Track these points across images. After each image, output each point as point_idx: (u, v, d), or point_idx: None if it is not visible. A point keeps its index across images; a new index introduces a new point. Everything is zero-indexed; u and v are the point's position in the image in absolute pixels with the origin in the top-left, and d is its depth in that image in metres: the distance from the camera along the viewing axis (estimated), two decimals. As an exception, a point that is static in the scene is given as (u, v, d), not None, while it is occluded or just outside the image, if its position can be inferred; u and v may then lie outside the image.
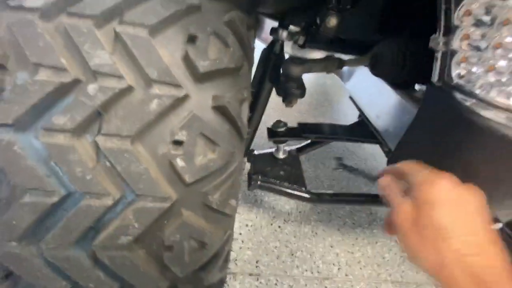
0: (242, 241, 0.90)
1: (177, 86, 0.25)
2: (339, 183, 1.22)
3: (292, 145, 0.94)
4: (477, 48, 0.34)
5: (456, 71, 0.36)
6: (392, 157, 0.48)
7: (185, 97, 0.25)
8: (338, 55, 0.50)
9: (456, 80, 0.36)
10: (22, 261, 0.25)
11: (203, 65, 0.25)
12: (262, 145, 1.40)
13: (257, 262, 0.85)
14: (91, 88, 0.23)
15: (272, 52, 0.52)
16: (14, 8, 0.24)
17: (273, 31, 0.51)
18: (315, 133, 0.75)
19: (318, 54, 0.60)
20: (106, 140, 0.23)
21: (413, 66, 0.49)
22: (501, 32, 0.32)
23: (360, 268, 0.89)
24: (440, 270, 0.27)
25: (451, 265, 0.26)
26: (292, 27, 0.51)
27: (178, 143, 0.25)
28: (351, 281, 0.85)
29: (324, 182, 1.21)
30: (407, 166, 0.34)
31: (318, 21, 0.49)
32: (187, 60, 0.25)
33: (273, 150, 0.74)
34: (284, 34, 0.51)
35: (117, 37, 0.25)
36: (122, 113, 0.24)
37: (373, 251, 0.96)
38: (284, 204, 1.06)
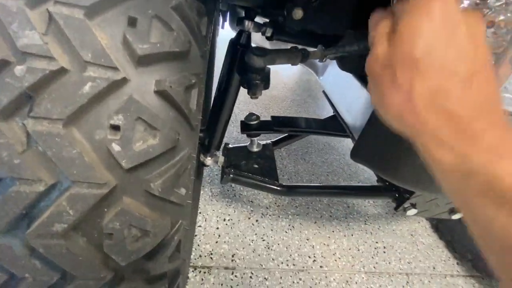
0: (219, 235, 0.89)
1: (114, 69, 0.24)
2: (318, 178, 1.24)
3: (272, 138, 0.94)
4: None
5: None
6: (354, 149, 0.49)
7: (123, 81, 0.24)
8: (303, 47, 0.50)
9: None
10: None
11: (142, 48, 0.25)
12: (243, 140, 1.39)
13: (233, 256, 0.85)
14: (19, 69, 0.22)
15: (239, 43, 0.52)
16: None
17: (239, 21, 0.50)
18: (288, 127, 0.75)
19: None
20: (36, 123, 0.23)
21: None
22: None
23: (335, 260, 0.91)
24: (408, 114, 0.22)
25: (420, 103, 0.21)
26: (258, 18, 0.51)
27: (115, 127, 0.24)
28: (326, 273, 0.86)
29: (304, 177, 1.22)
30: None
31: (285, 13, 0.49)
32: (126, 43, 0.25)
33: (247, 144, 0.74)
34: (250, 25, 0.50)
35: (50, 17, 0.24)
36: (54, 96, 0.23)
37: (348, 243, 0.98)
38: (263, 198, 1.06)
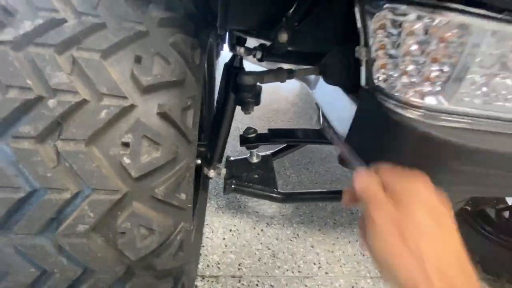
0: (226, 246, 0.93)
1: (124, 98, 0.30)
2: (322, 187, 1.26)
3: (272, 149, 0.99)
4: (391, 56, 0.40)
5: (377, 76, 0.41)
6: (340, 155, 0.53)
7: (132, 107, 0.31)
8: (289, 66, 0.56)
9: (378, 84, 0.41)
10: (-4, 250, 0.30)
11: (146, 79, 0.31)
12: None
13: (239, 264, 0.88)
14: (51, 102, 0.29)
15: (233, 66, 0.59)
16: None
17: (232, 47, 0.57)
18: (284, 138, 0.80)
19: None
20: (64, 144, 0.29)
21: (357, 72, 0.54)
22: (407, 42, 0.38)
23: (340, 266, 0.92)
24: (418, 275, 0.25)
25: (431, 271, 0.24)
26: (251, 40, 0.58)
27: (125, 144, 0.30)
28: (331, 279, 0.88)
29: (307, 187, 1.25)
30: (385, 170, 0.32)
31: (272, 37, 0.56)
32: (133, 77, 0.31)
33: (247, 155, 0.79)
34: (241, 50, 0.57)
35: (74, 61, 0.30)
36: (77, 122, 0.29)
37: (353, 249, 0.99)
38: (267, 208, 1.10)
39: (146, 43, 0.33)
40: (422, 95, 0.39)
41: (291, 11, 0.53)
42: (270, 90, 2.17)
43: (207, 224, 0.99)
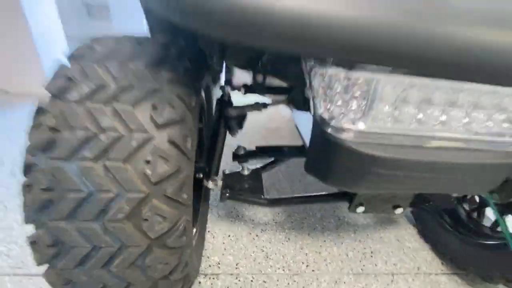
0: (225, 249, 1.08)
1: (146, 132, 0.48)
2: (323, 207, 1.41)
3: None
4: (327, 96, 0.57)
5: (319, 109, 0.58)
6: (305, 165, 0.69)
7: (151, 138, 0.48)
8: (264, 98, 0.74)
9: (320, 114, 0.58)
10: (66, 232, 0.46)
11: (160, 120, 0.48)
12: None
13: (237, 265, 1.02)
14: (102, 136, 0.46)
15: (223, 101, 0.77)
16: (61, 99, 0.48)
17: (221, 88, 0.76)
18: (270, 153, 0.97)
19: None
20: (110, 162, 0.46)
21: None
22: (335, 87, 0.55)
23: (326, 265, 1.05)
24: None
25: None
26: (234, 83, 0.76)
27: (147, 161, 0.47)
28: (317, 275, 1.01)
29: (312, 208, 1.40)
30: None
31: (252, 77, 0.75)
32: (152, 119, 0.49)
33: (240, 169, 0.96)
34: (229, 89, 0.76)
35: (115, 110, 0.48)
36: (118, 148, 0.46)
37: (338, 250, 1.12)
38: (262, 216, 1.25)
39: (159, 96, 0.52)
40: (349, 122, 0.56)
41: (263, 59, 0.72)
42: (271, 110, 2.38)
43: (209, 231, 1.14)
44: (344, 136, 0.55)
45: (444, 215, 1.15)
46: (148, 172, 0.47)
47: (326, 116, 0.57)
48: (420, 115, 0.52)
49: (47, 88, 0.50)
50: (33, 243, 0.48)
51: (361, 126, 0.55)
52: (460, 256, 1.04)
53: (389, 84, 0.52)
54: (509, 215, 0.93)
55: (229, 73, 0.84)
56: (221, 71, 0.91)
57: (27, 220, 0.47)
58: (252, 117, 1.72)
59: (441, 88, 0.50)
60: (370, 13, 0.37)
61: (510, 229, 0.86)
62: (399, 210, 0.77)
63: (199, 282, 0.94)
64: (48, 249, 0.48)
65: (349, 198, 0.79)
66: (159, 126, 0.49)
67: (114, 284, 0.52)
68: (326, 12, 0.36)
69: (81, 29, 4.62)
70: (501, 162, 0.52)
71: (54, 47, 2.24)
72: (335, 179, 0.60)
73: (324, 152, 0.60)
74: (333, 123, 0.56)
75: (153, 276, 0.52)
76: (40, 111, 0.48)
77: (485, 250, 0.95)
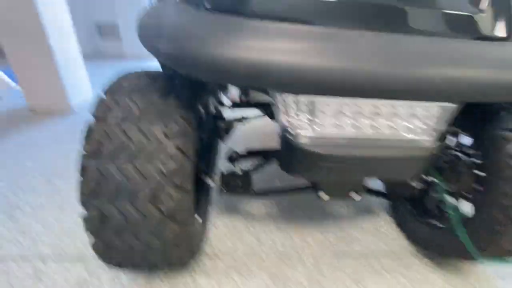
0: (225, 237, 1.29)
1: (161, 142, 0.70)
2: (310, 201, 1.61)
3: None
4: (286, 110, 0.78)
5: (282, 120, 0.79)
6: (279, 166, 0.90)
7: (164, 146, 0.70)
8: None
9: (283, 125, 0.79)
10: (108, 211, 0.69)
11: (169, 134, 0.71)
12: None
13: (234, 249, 1.23)
14: (131, 146, 0.69)
15: (216, 116, 1.00)
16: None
17: (215, 106, 0.99)
18: (259, 156, 1.18)
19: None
20: (137, 163, 0.68)
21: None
22: (290, 106, 0.75)
23: (310, 249, 1.25)
24: None
25: None
26: (225, 101, 0.99)
27: (163, 162, 0.69)
28: (302, 257, 1.20)
29: (300, 201, 1.60)
30: None
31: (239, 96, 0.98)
32: (164, 133, 0.71)
33: (235, 170, 1.18)
34: (220, 107, 0.99)
35: (139, 128, 0.71)
36: (146, 154, 0.69)
37: (321, 236, 1.31)
38: (257, 210, 1.45)
39: (168, 117, 0.74)
40: (302, 130, 0.77)
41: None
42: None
43: (211, 224, 1.36)
44: (299, 140, 0.77)
45: (413, 206, 1.34)
46: (164, 168, 0.70)
47: (286, 126, 0.79)
48: (350, 122, 0.74)
49: (92, 114, 0.74)
50: (86, 220, 0.71)
51: (309, 132, 0.76)
52: (426, 239, 1.22)
53: (323, 103, 0.73)
54: (461, 200, 1.11)
55: (221, 95, 1.07)
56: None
57: (83, 204, 0.70)
58: (253, 124, 1.96)
59: (351, 103, 0.71)
60: (303, 63, 0.59)
61: (464, 211, 1.03)
62: (354, 195, 0.97)
63: (204, 263, 1.15)
64: (96, 224, 0.71)
65: (314, 188, 0.99)
66: (169, 138, 0.72)
67: (140, 247, 0.74)
68: (272, 62, 0.59)
69: (94, 48, 4.97)
70: (411, 155, 0.73)
71: (73, 68, 2.53)
72: (296, 171, 0.82)
73: (288, 152, 0.82)
74: (291, 131, 0.78)
75: (166, 241, 0.74)
76: (89, 130, 0.72)
77: (438, 232, 1.13)
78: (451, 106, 0.75)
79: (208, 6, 0.68)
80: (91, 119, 0.74)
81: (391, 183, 1.21)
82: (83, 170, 0.69)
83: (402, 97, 0.67)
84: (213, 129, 1.00)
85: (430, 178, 1.16)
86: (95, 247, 0.75)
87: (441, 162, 1.14)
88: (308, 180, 0.94)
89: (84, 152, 0.70)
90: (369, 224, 1.42)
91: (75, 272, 1.07)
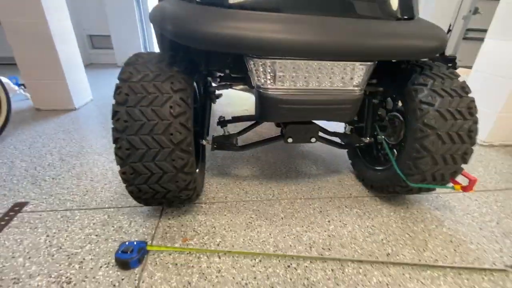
0: (218, 190, 1.58)
1: (169, 93, 1.00)
2: (287, 165, 1.93)
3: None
4: (256, 72, 1.12)
5: (255, 80, 1.13)
6: (255, 117, 1.23)
7: (172, 96, 0.99)
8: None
9: (256, 83, 1.13)
10: (134, 141, 0.98)
11: (175, 88, 1.00)
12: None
13: (225, 197, 1.52)
14: (149, 96, 0.99)
15: (207, 84, 1.31)
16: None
17: (206, 78, 1.30)
18: (241, 121, 1.51)
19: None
20: (154, 107, 0.98)
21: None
22: (259, 67, 1.09)
23: (286, 194, 1.56)
24: None
25: None
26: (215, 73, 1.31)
27: (171, 106, 0.99)
28: (279, 200, 1.51)
29: (281, 167, 1.92)
30: None
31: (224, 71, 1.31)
32: (171, 88, 1.01)
33: (223, 133, 1.49)
34: (210, 78, 1.30)
35: (154, 85, 1.02)
36: (157, 100, 0.99)
37: (295, 186, 1.63)
38: (244, 172, 1.76)
39: (173, 77, 1.05)
40: (268, 85, 1.11)
41: (228, 61, 1.28)
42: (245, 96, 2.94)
43: (206, 182, 1.65)
44: (268, 92, 1.10)
45: (364, 157, 1.69)
46: (172, 111, 1.00)
47: (258, 83, 1.12)
48: (301, 77, 1.07)
49: (119, 78, 1.04)
50: (117, 149, 1.00)
51: (273, 86, 1.10)
52: (374, 181, 1.56)
53: (281, 64, 1.06)
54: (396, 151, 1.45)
55: (211, 70, 1.40)
56: (207, 72, 1.46)
57: (115, 140, 0.99)
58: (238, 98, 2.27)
59: (303, 64, 1.05)
60: (268, 34, 0.92)
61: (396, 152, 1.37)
62: (313, 139, 1.31)
63: (201, 207, 1.44)
64: (125, 152, 1.00)
65: (282, 135, 1.32)
66: (174, 91, 1.03)
67: (157, 171, 1.03)
68: (245, 34, 0.92)
69: (86, 58, 5.23)
70: (344, 100, 1.07)
71: (76, 71, 2.81)
72: (267, 115, 1.15)
73: (261, 103, 1.15)
74: (262, 86, 1.11)
75: (177, 167, 1.04)
76: (117, 87, 1.02)
77: (384, 172, 1.47)
78: (369, 64, 1.11)
79: (198, 0, 1.02)
80: (117, 81, 1.05)
81: (345, 136, 1.55)
82: (115, 114, 0.99)
83: (335, 58, 1.02)
84: (204, 96, 1.32)
85: (378, 135, 1.52)
86: (122, 174, 1.04)
87: (385, 121, 1.50)
88: (276, 122, 1.27)
89: (115, 102, 1.00)
90: (334, 178, 1.75)
91: (98, 216, 1.34)
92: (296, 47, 0.94)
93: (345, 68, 1.09)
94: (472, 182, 1.28)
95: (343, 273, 1.08)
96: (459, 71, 4.62)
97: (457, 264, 1.15)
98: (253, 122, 1.61)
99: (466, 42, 5.29)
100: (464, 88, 1.18)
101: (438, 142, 1.15)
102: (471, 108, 1.16)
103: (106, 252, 1.13)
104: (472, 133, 1.16)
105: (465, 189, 1.30)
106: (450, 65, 5.11)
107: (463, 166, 1.24)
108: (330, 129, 1.64)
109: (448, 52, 5.52)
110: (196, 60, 1.27)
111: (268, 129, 2.44)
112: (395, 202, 1.53)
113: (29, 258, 1.09)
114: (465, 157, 1.20)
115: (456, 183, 1.31)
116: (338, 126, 2.37)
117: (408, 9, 1.16)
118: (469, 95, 1.18)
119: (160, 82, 1.02)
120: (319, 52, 0.97)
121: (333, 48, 0.97)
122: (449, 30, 5.34)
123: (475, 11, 5.24)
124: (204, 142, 1.42)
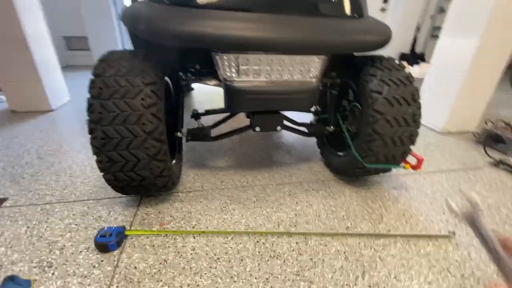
0: (194, 180, 1.67)
1: (140, 86, 1.09)
2: (262, 155, 2.05)
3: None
4: (223, 67, 1.23)
5: (221, 73, 1.24)
6: (224, 109, 1.34)
7: (143, 89, 1.09)
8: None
9: (222, 76, 1.24)
10: (109, 131, 1.06)
11: (146, 82, 1.10)
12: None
13: (202, 186, 1.62)
14: (121, 90, 1.07)
15: (179, 79, 1.41)
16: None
17: (177, 73, 1.40)
18: (215, 113, 1.61)
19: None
20: (127, 99, 1.07)
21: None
22: (224, 61, 1.20)
23: (259, 181, 1.67)
24: None
25: None
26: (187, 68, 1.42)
27: (142, 99, 1.08)
28: (252, 186, 1.62)
29: (258, 155, 2.03)
30: None
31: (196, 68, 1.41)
32: (142, 82, 1.10)
33: (198, 126, 1.59)
34: (182, 74, 1.40)
35: (127, 79, 1.10)
36: (129, 93, 1.08)
37: (268, 174, 1.74)
38: (220, 162, 1.86)
39: (145, 72, 1.13)
40: (233, 77, 1.22)
41: (198, 57, 1.38)
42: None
43: (184, 173, 1.74)
44: (233, 84, 1.22)
45: (330, 144, 1.83)
46: (143, 102, 1.09)
47: (225, 76, 1.23)
48: (263, 70, 1.19)
49: (93, 73, 1.11)
50: (93, 139, 1.08)
51: (238, 78, 1.21)
52: (337, 165, 1.70)
53: (244, 58, 1.18)
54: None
55: (182, 66, 1.49)
56: (179, 68, 1.56)
57: (91, 130, 1.07)
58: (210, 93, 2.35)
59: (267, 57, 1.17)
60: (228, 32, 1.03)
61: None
62: (279, 127, 1.43)
63: (178, 195, 1.53)
64: (100, 141, 1.08)
65: (251, 125, 1.44)
66: (145, 85, 1.12)
67: (131, 159, 1.11)
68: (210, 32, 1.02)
69: (62, 60, 5.15)
70: (303, 90, 1.20)
71: (52, 73, 2.80)
72: (234, 106, 1.26)
73: (228, 95, 1.26)
74: (228, 79, 1.22)
75: (150, 154, 1.12)
76: (92, 82, 1.09)
77: (345, 157, 1.62)
78: (324, 58, 1.24)
79: (167, 2, 1.11)
80: (91, 76, 1.12)
81: (311, 125, 1.69)
82: (90, 107, 1.07)
83: (293, 52, 1.14)
84: (177, 90, 1.41)
85: (341, 124, 1.66)
86: (98, 162, 1.11)
87: (346, 111, 1.65)
88: (243, 112, 1.39)
89: (90, 95, 1.07)
90: (305, 166, 1.88)
91: (78, 208, 1.40)
92: (254, 42, 1.05)
93: (303, 62, 1.22)
94: (419, 161, 1.45)
95: (306, 244, 1.21)
96: (425, 66, 4.93)
97: (407, 232, 1.30)
98: (226, 115, 1.72)
99: (434, 40, 5.64)
100: (409, 78, 1.34)
101: (386, 126, 1.30)
102: (415, 95, 1.32)
103: (86, 239, 1.19)
104: (416, 116, 1.32)
105: (414, 167, 1.46)
106: (418, 60, 5.43)
107: (411, 147, 1.39)
108: (298, 121, 1.77)
109: (418, 49, 5.86)
110: (167, 56, 1.36)
111: (241, 122, 2.55)
112: (358, 184, 1.68)
113: (11, 247, 1.14)
114: (411, 138, 1.36)
115: (407, 163, 1.47)
116: (306, 118, 2.52)
117: (357, 8, 1.30)
118: (414, 84, 1.34)
119: (132, 76, 1.11)
120: (275, 47, 1.09)
121: (288, 43, 1.09)
122: (418, 29, 5.67)
123: (441, 10, 5.60)
124: (179, 134, 1.51)
